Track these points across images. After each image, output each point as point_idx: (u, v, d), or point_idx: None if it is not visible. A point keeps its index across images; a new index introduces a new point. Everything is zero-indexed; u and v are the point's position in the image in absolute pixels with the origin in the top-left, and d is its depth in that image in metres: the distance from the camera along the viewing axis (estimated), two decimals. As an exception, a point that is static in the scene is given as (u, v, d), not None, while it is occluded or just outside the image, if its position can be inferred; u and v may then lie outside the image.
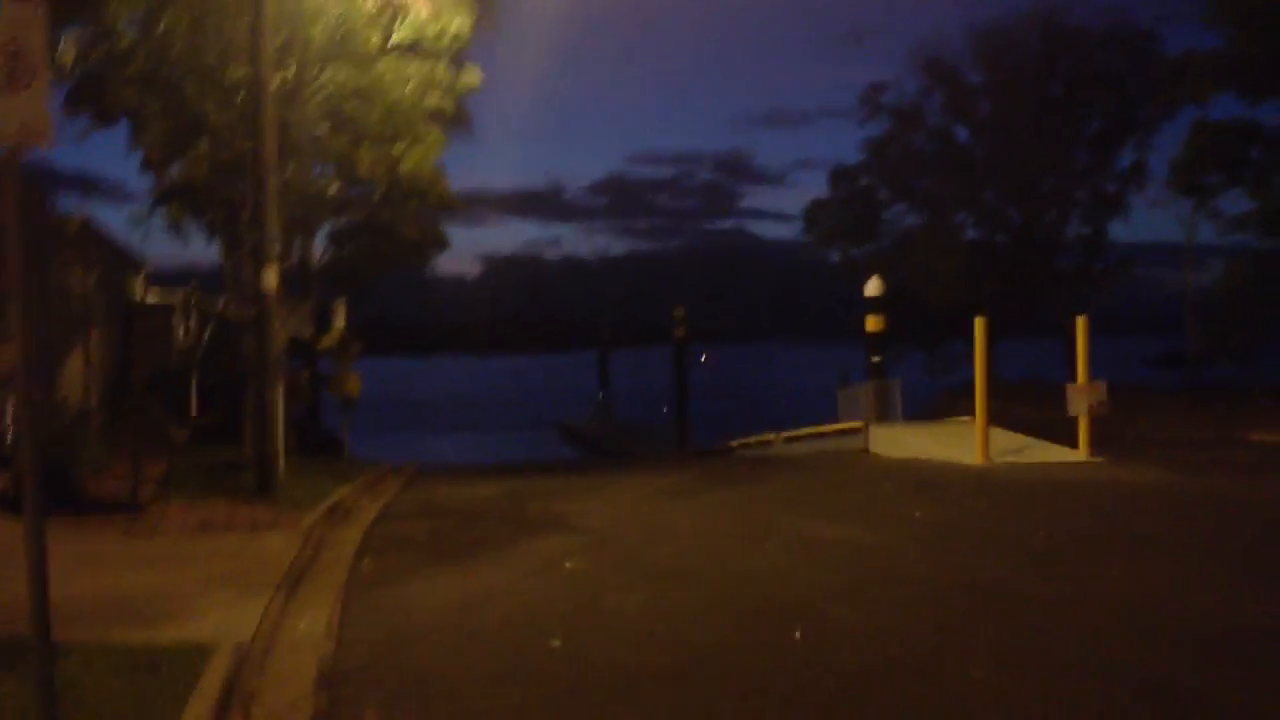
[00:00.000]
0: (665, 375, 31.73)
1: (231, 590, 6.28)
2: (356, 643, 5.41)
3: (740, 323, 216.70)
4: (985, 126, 29.39)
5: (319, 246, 17.49)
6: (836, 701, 4.37)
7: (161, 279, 17.40)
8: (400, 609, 6.18)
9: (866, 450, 15.14)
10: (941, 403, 21.98)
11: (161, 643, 5.03)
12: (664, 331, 31.87)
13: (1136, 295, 34.52)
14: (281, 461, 10.41)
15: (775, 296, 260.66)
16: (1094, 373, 12.97)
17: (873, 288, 16.44)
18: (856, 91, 31.69)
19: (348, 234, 17.93)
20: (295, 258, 16.00)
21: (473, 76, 14.78)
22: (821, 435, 16.87)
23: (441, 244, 19.12)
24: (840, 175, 31.09)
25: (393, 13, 12.76)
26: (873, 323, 16.44)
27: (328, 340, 16.78)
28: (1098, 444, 12.94)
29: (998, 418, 13.84)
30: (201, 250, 15.59)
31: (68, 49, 11.63)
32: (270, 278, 10.37)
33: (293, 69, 12.50)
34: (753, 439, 18.96)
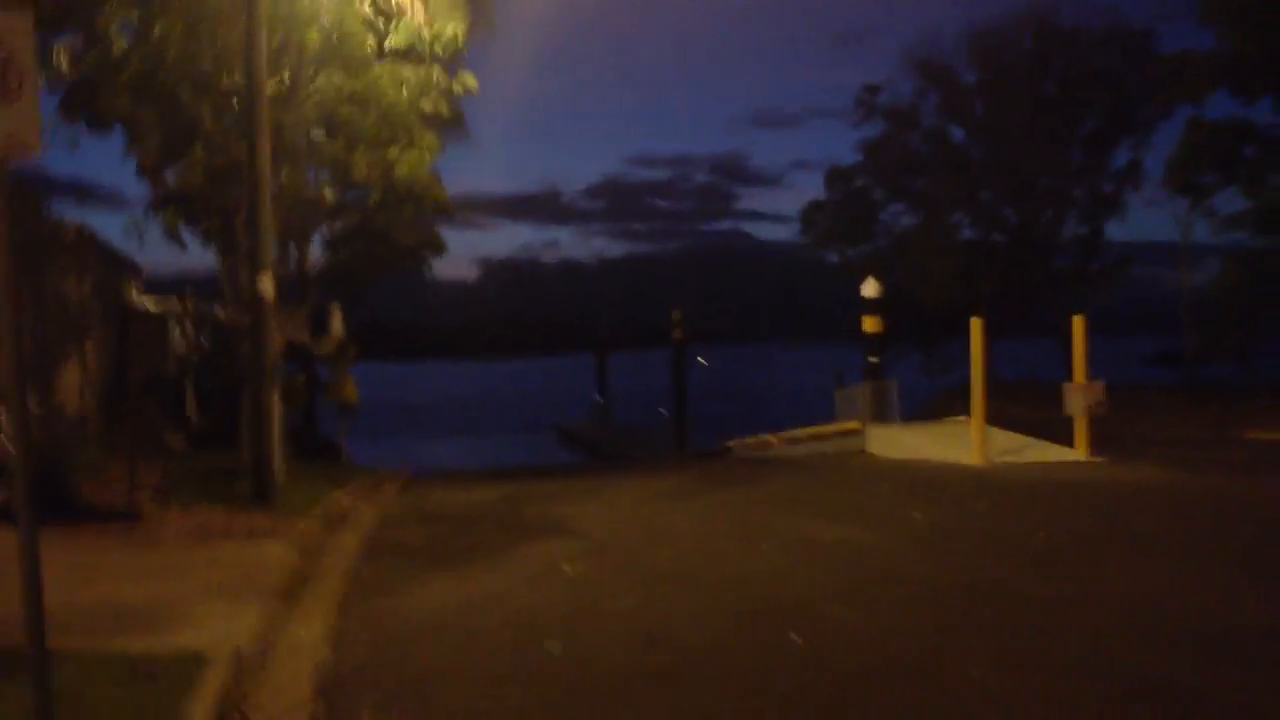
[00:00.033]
0: (663, 377, 31.70)
1: (229, 598, 6.26)
2: (355, 648, 5.40)
3: (738, 324, 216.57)
4: (981, 127, 29.40)
5: (315, 252, 17.48)
6: (836, 702, 4.36)
7: (158, 285, 17.38)
8: (398, 615, 6.17)
9: (865, 451, 15.15)
10: (939, 403, 22.00)
11: (159, 651, 5.02)
12: (662, 334, 31.85)
13: (1133, 294, 34.52)
14: (279, 467, 10.38)
15: (773, 298, 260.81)
16: (1092, 372, 12.98)
17: (870, 289, 16.45)
18: (852, 92, 31.83)
19: (343, 239, 17.90)
20: (291, 263, 15.98)
21: (468, 80, 14.77)
22: (820, 437, 16.87)
23: (438, 248, 19.09)
24: (836, 176, 31.08)
25: (387, 17, 12.75)
26: (870, 323, 16.46)
27: (325, 346, 16.76)
28: (1096, 443, 12.95)
29: (995, 418, 13.84)
30: (198, 256, 15.55)
31: (60, 56, 11.60)
32: (266, 283, 10.35)
33: (287, 74, 12.49)
34: (751, 441, 18.94)
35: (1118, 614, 5.62)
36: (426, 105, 14.15)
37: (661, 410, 32.55)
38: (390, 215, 16.70)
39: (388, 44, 12.96)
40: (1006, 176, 28.14)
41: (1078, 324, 13.21)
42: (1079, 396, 12.85)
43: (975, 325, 13.25)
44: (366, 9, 12.56)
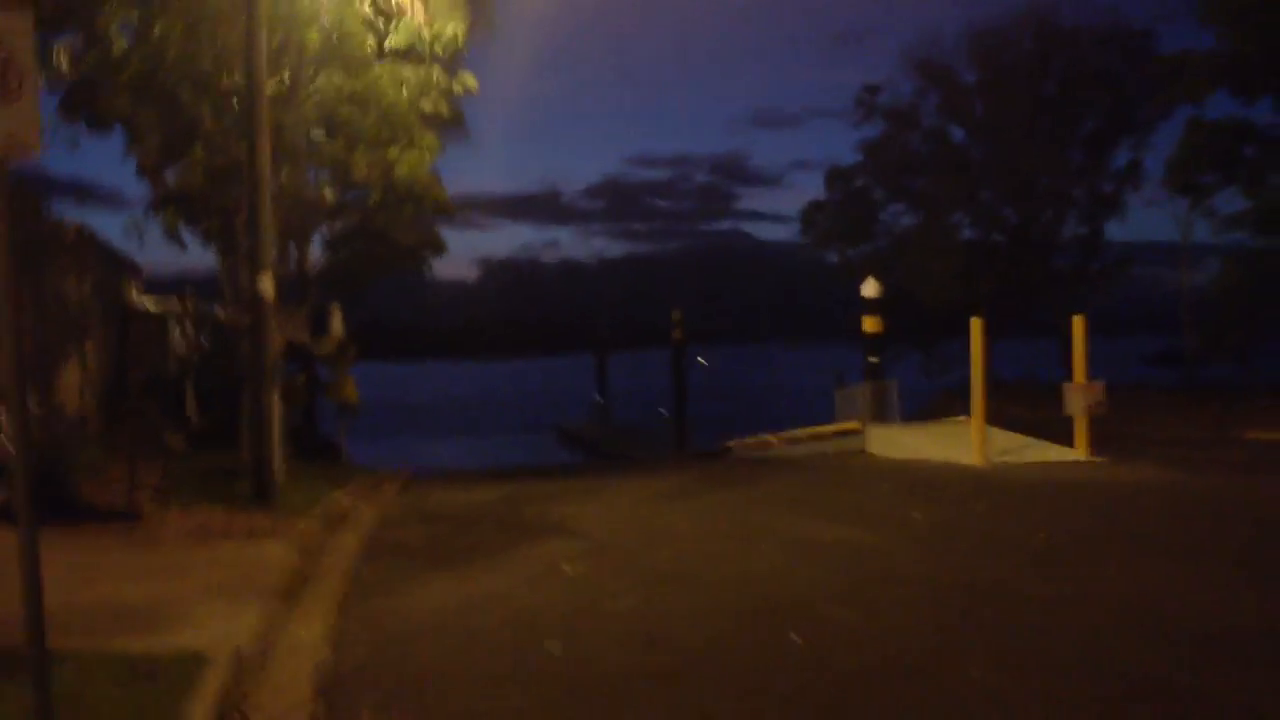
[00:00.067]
0: (663, 377, 31.71)
1: (229, 598, 6.26)
2: (355, 648, 5.40)
3: (738, 324, 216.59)
4: (981, 127, 29.40)
5: (315, 252, 17.48)
6: (836, 702, 4.37)
7: (158, 285, 17.38)
8: (398, 615, 6.17)
9: (865, 451, 15.15)
10: (939, 403, 22.00)
11: (159, 651, 5.02)
12: (662, 333, 31.85)
13: (1133, 294, 34.51)
14: (279, 467, 10.38)
15: (773, 298, 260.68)
16: (1092, 372, 12.98)
17: (870, 289, 16.45)
18: (852, 92, 31.86)
19: (343, 239, 17.90)
20: (291, 263, 15.98)
21: (468, 80, 14.77)
22: (820, 437, 16.88)
23: (438, 248, 19.09)
24: (836, 176, 31.08)
25: (387, 17, 12.75)
26: (870, 324, 16.46)
27: (325, 346, 16.76)
28: (1096, 443, 12.95)
29: (995, 418, 13.84)
30: (198, 256, 15.56)
31: (60, 56, 11.60)
32: (266, 283, 10.35)
33: (287, 74, 12.49)
34: (751, 441, 18.95)
35: (1117, 614, 5.62)
36: (426, 105, 14.15)
37: (661, 410, 32.55)
38: (390, 215, 16.70)
39: (388, 44, 12.96)
40: (1006, 176, 28.14)
41: (1078, 324, 13.21)
42: (1079, 396, 12.85)
43: (975, 325, 13.26)
44: (366, 9, 12.56)
